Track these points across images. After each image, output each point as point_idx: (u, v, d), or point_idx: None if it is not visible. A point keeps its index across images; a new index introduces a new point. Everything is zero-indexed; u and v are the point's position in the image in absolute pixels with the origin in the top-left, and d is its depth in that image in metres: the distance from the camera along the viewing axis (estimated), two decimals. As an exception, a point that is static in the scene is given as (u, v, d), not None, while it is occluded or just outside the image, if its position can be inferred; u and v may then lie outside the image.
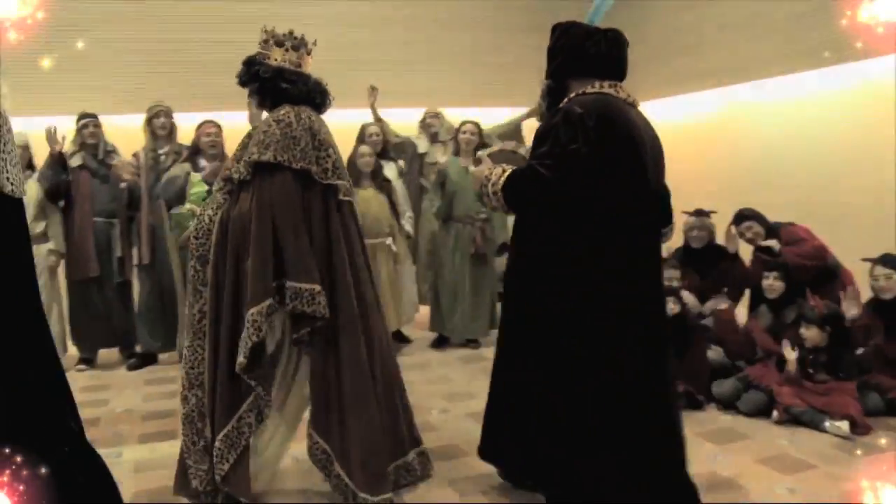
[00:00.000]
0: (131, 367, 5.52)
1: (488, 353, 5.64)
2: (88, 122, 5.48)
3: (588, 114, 2.62)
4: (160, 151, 5.52)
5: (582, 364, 2.68)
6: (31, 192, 5.12)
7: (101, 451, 3.16)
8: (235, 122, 6.01)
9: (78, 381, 5.07)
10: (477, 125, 5.89)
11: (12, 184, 2.33)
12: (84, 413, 3.87)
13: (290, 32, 3.01)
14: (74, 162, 5.40)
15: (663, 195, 2.94)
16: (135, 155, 5.50)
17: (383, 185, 5.60)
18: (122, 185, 5.39)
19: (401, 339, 6.00)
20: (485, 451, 3.16)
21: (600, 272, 2.67)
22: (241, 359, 2.78)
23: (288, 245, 2.80)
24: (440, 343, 5.94)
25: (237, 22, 6.88)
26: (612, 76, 2.84)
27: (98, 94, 6.38)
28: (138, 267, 5.53)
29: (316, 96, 3.04)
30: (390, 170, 5.92)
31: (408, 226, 5.78)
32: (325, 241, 2.92)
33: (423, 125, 6.62)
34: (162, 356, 5.72)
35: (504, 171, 2.86)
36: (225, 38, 6.90)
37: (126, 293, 5.62)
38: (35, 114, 5.98)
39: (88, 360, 5.59)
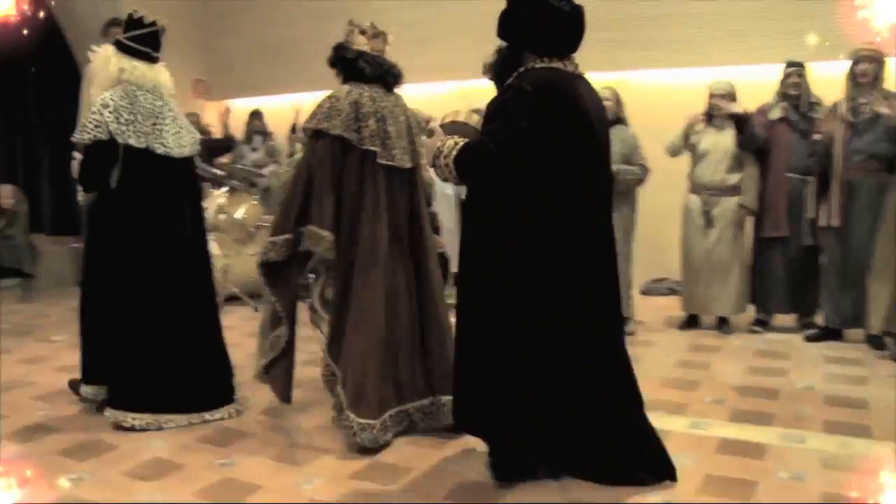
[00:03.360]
0: (810, 339, 5.13)
1: None
2: (792, 71, 5.25)
3: (537, 92, 2.86)
4: (861, 101, 4.87)
5: (539, 329, 2.93)
6: (727, 143, 5.24)
7: (779, 430, 3.48)
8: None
9: (752, 343, 5.09)
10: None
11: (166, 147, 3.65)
12: (760, 381, 4.31)
13: (371, 24, 3.66)
14: (774, 114, 5.26)
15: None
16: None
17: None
18: (817, 136, 5.02)
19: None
20: (461, 424, 3.27)
21: (553, 242, 2.91)
22: (259, 275, 3.54)
23: (313, 196, 3.45)
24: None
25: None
26: (568, 53, 3.03)
27: (783, 41, 6.17)
28: (825, 230, 5.06)
29: (388, 77, 3.61)
30: None
31: None
32: (355, 196, 3.48)
33: None
34: (847, 333, 5.11)
35: (456, 143, 3.04)
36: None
37: (812, 258, 5.26)
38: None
39: (763, 322, 5.45)
